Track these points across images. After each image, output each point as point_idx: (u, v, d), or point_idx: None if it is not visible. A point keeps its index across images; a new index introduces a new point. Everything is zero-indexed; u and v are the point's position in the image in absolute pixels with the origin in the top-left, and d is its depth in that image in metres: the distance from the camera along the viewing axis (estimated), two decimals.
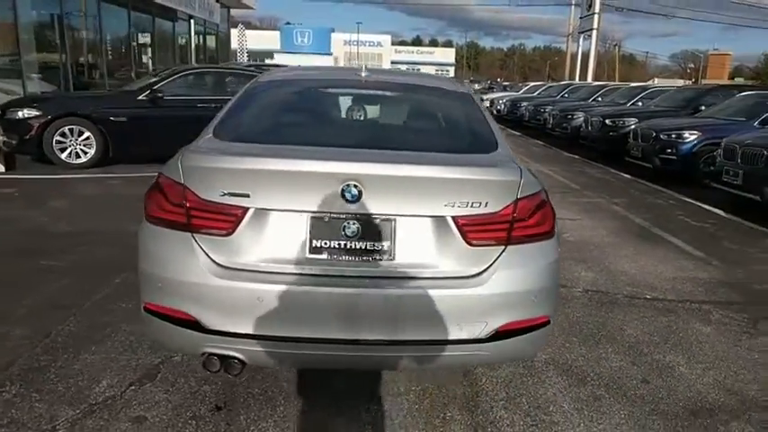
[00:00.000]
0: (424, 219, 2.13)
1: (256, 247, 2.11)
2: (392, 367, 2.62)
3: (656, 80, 56.29)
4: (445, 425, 2.46)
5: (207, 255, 2.10)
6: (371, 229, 2.12)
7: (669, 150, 8.73)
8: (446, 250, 2.13)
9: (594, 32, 29.78)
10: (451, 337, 2.12)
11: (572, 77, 42.46)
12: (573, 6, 40.06)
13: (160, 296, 2.15)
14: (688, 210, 7.17)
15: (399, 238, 2.12)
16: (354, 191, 2.05)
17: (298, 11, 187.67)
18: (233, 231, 2.10)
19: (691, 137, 8.59)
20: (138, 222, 2.27)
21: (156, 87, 8.44)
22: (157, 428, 2.35)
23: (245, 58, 26.26)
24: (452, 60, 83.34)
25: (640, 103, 13.09)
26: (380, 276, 2.12)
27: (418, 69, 75.84)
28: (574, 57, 39.60)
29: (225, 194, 2.08)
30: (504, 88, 32.38)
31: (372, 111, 3.04)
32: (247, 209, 2.09)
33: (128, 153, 8.21)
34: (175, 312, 2.12)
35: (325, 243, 2.11)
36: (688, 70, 68.08)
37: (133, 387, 2.63)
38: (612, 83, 24.23)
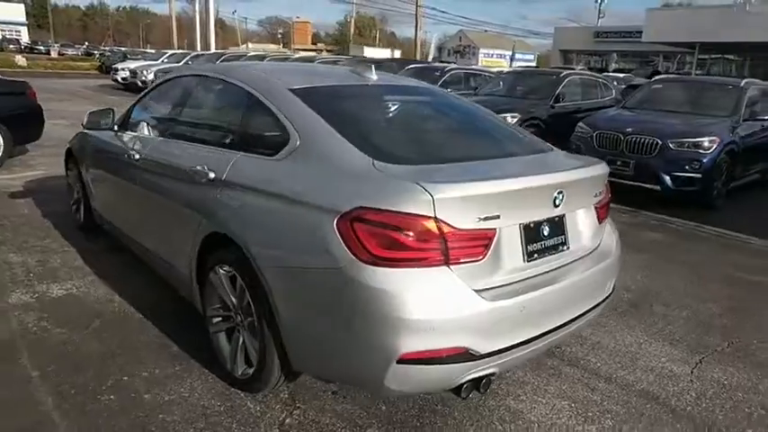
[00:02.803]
0: (581, 210, 2.61)
1: (497, 265, 2.22)
2: (570, 335, 2.93)
3: (250, 45, 59.82)
4: (556, 369, 3.02)
5: (465, 283, 2.10)
6: (556, 227, 2.48)
7: None
8: (589, 232, 2.67)
9: None
10: (602, 297, 2.71)
11: (181, 45, 41.66)
12: None
13: (424, 340, 2.04)
14: None
15: (569, 230, 2.55)
16: (560, 197, 2.38)
17: None
18: (486, 254, 2.15)
19: None
20: None
21: None
22: None
23: None
24: (23, 19, 69.92)
25: None
26: (566, 264, 2.52)
27: None
28: (182, 21, 38.82)
29: (480, 220, 2.10)
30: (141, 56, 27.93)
31: (446, 116, 3.17)
32: (496, 230, 2.17)
33: None
34: (446, 351, 2.07)
35: (534, 247, 2.38)
36: (278, 35, 74.95)
37: None
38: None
